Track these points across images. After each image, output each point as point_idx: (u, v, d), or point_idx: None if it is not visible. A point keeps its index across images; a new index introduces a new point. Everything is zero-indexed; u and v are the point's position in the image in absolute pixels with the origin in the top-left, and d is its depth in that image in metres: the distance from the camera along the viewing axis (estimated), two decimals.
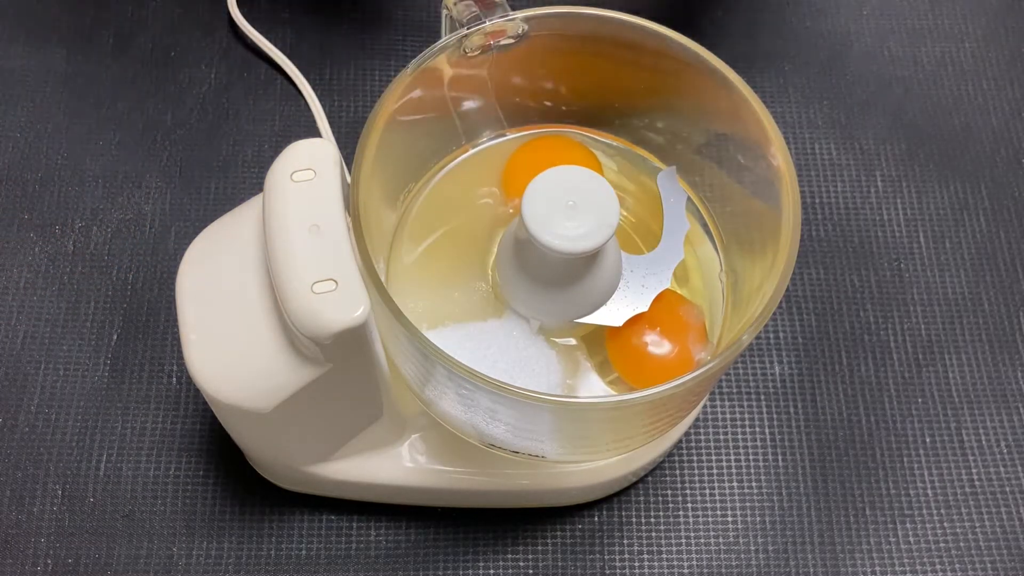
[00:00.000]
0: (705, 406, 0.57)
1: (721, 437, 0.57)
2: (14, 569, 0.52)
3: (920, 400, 0.58)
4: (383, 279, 0.43)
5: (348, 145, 0.44)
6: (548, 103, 0.52)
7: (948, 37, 0.71)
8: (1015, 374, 0.59)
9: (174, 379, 0.57)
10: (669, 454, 0.55)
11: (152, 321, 0.58)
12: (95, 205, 0.61)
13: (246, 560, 0.52)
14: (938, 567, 0.54)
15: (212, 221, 0.46)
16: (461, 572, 0.53)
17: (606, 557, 0.53)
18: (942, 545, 0.55)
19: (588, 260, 0.44)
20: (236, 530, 0.53)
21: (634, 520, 0.54)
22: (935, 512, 0.55)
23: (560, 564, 0.53)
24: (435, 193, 0.51)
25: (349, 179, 0.43)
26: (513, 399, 0.39)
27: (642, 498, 0.55)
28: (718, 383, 0.58)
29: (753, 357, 0.59)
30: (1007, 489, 0.56)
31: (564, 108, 0.52)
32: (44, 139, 0.63)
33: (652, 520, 0.54)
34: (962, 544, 0.55)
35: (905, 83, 0.69)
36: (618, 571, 0.53)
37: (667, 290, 0.47)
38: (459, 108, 0.50)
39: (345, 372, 0.42)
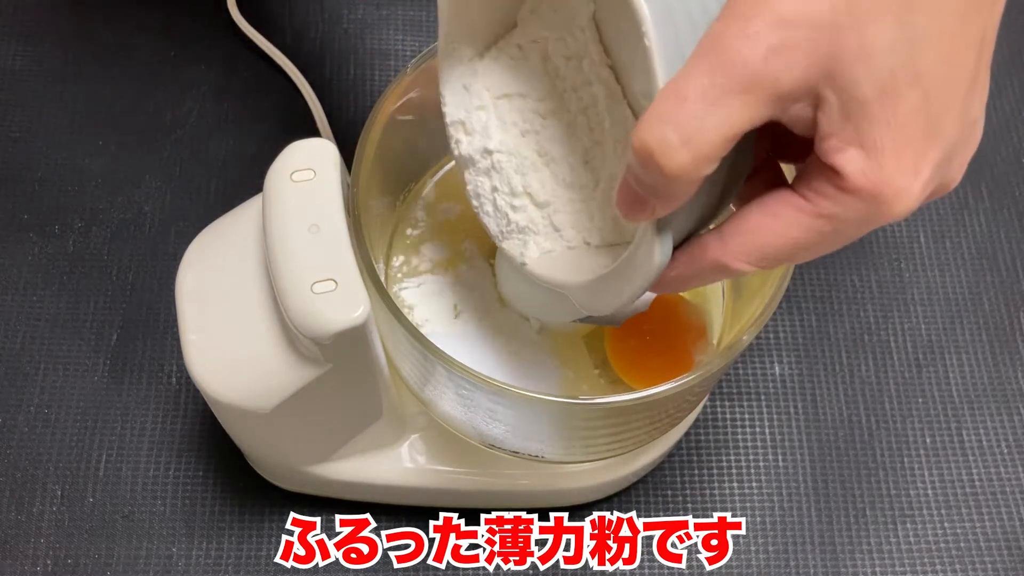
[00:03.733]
0: (705, 406, 0.57)
1: (721, 437, 0.57)
2: (14, 569, 0.52)
3: (920, 400, 0.58)
4: (383, 279, 0.43)
5: (348, 145, 0.44)
6: None
7: None
8: (1015, 374, 0.59)
9: (174, 379, 0.57)
10: (669, 454, 0.55)
11: (152, 321, 0.58)
12: (95, 205, 0.61)
13: (246, 560, 0.52)
14: (938, 567, 0.54)
15: (212, 221, 0.46)
16: (461, 572, 0.53)
17: (606, 557, 0.53)
18: (942, 545, 0.55)
19: None
20: (236, 530, 0.53)
21: (634, 520, 0.54)
22: (935, 512, 0.55)
23: (560, 564, 0.53)
24: (435, 193, 0.51)
25: (349, 179, 0.43)
26: (513, 399, 0.39)
27: (642, 498, 0.55)
28: (718, 383, 0.58)
29: (753, 357, 0.59)
30: (1007, 489, 0.56)
31: None
32: (44, 139, 0.63)
33: (652, 520, 0.54)
34: (962, 544, 0.55)
35: None
36: (618, 571, 0.53)
37: None
38: None
39: (345, 372, 0.42)
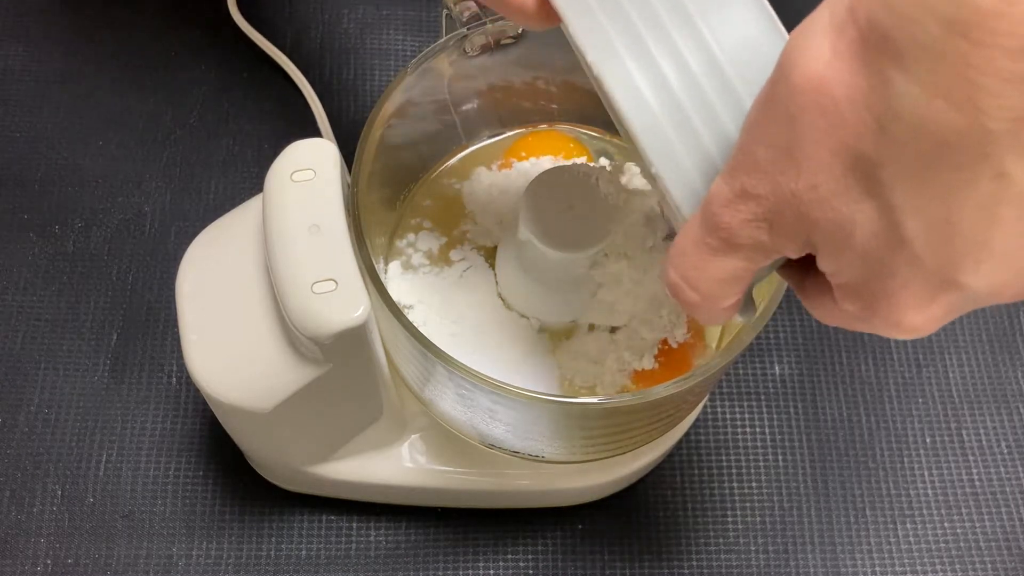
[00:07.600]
0: (705, 406, 0.57)
1: (721, 437, 0.57)
2: (14, 569, 0.52)
3: (920, 400, 0.58)
4: (383, 279, 0.43)
5: (348, 145, 0.44)
6: (547, 103, 0.52)
7: None
8: (1015, 374, 0.59)
9: (174, 379, 0.57)
10: (669, 454, 0.55)
11: (152, 321, 0.58)
12: (95, 205, 0.61)
13: (246, 560, 0.52)
14: (938, 567, 0.54)
15: (212, 221, 0.46)
16: (461, 572, 0.53)
17: (606, 557, 0.53)
18: (942, 545, 0.55)
19: (587, 260, 0.44)
20: (236, 530, 0.53)
21: (634, 520, 0.54)
22: (935, 512, 0.55)
23: (560, 564, 0.53)
24: (435, 192, 0.51)
25: (349, 179, 0.43)
26: (513, 399, 0.39)
27: (642, 498, 0.55)
28: (718, 383, 0.58)
29: (753, 357, 0.59)
30: (1007, 489, 0.56)
31: (563, 108, 0.52)
32: (44, 139, 0.63)
33: (652, 520, 0.54)
34: (962, 544, 0.55)
35: None
36: (618, 571, 0.53)
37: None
38: (459, 108, 0.50)
39: (345, 372, 0.42)
